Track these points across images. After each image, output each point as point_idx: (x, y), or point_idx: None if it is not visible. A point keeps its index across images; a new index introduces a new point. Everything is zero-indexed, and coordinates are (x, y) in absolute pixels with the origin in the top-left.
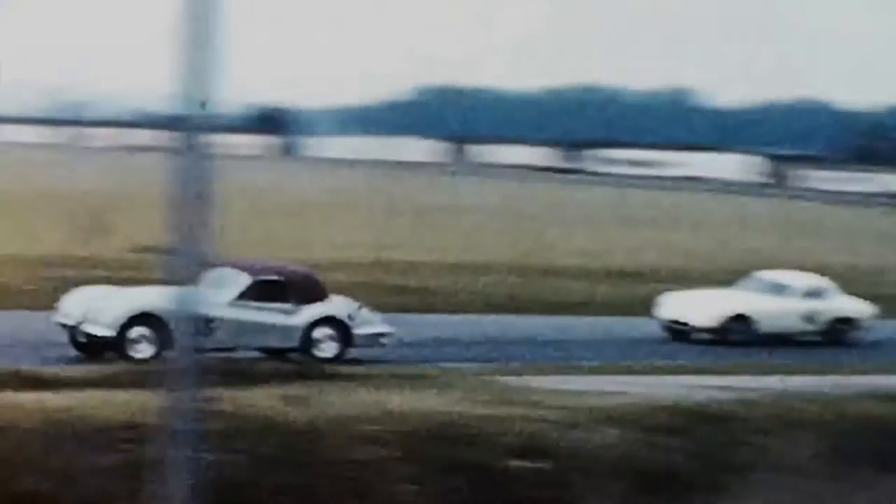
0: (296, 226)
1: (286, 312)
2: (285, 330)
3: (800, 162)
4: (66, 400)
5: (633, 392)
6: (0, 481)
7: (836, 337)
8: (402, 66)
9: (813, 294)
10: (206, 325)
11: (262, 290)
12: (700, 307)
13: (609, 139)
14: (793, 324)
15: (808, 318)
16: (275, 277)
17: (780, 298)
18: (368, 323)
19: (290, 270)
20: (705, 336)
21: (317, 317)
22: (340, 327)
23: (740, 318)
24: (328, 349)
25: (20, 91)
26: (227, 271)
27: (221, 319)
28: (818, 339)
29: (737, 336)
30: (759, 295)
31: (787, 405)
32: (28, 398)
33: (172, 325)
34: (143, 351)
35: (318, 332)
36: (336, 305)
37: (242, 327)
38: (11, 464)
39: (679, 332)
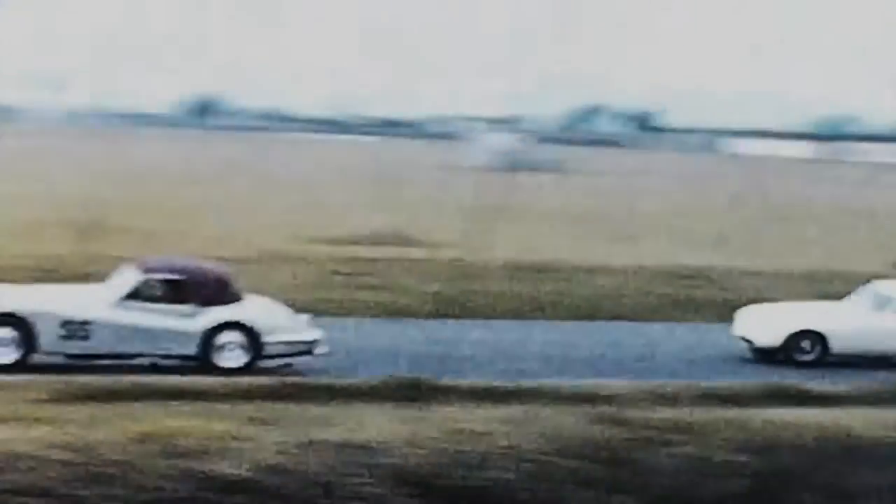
0: None
1: (184, 315)
2: (181, 335)
3: None
4: (827, 417)
5: None
6: (771, 497)
7: None
8: None
9: None
10: (80, 328)
11: (155, 290)
12: (766, 322)
13: None
14: (891, 345)
15: None
16: (171, 276)
17: (881, 314)
18: (289, 329)
19: (193, 268)
20: (776, 356)
21: (217, 321)
22: (250, 334)
23: (810, 336)
24: (233, 358)
25: (780, 107)
26: (125, 269)
27: (100, 322)
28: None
29: (804, 356)
30: (856, 309)
31: None
32: (793, 414)
33: (37, 327)
34: (3, 355)
35: (224, 339)
36: (247, 309)
37: (125, 331)
38: (781, 480)
39: (754, 351)
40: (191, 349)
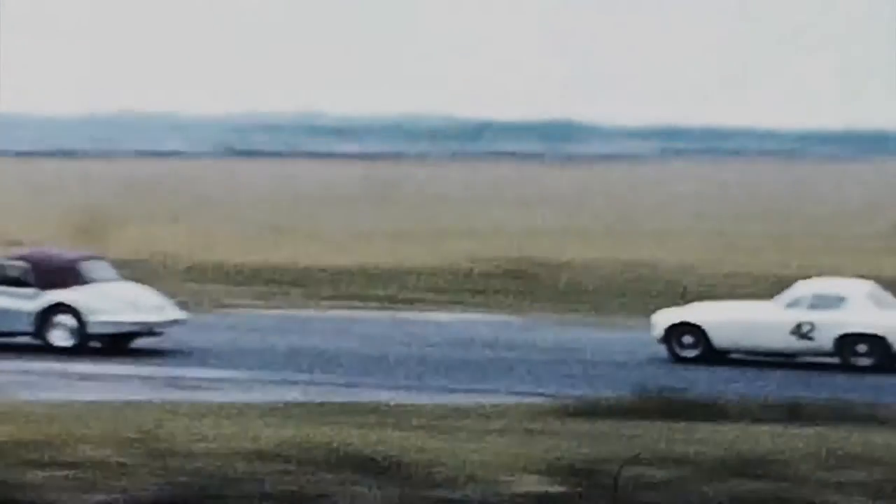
0: None
1: (26, 297)
2: (20, 314)
3: None
4: None
5: None
6: None
7: (846, 359)
8: None
9: (821, 304)
10: None
11: (5, 275)
12: (665, 316)
13: None
14: (778, 340)
15: (801, 333)
16: (18, 262)
17: (766, 308)
18: (123, 312)
19: (40, 256)
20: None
21: (49, 303)
22: (77, 315)
23: (689, 330)
24: (62, 337)
25: None
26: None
27: None
28: (827, 360)
29: (683, 350)
30: (741, 305)
31: None
32: None
33: None
34: None
35: (60, 319)
36: (80, 292)
37: None
38: None
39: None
40: (28, 327)
